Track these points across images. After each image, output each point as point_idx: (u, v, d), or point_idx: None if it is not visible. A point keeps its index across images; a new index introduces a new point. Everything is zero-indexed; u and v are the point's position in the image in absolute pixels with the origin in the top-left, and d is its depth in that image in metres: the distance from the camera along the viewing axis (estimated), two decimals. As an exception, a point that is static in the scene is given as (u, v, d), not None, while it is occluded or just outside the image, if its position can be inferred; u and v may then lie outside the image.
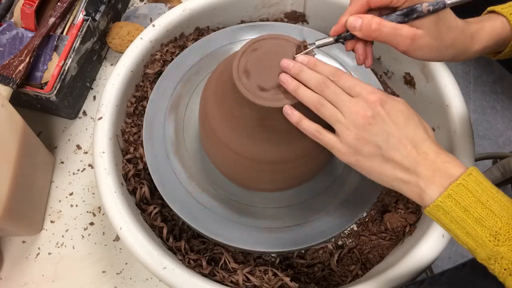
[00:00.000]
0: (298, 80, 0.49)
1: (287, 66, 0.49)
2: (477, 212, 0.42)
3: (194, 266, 0.63)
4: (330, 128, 0.48)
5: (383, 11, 0.51)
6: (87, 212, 0.78)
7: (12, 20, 0.78)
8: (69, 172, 0.81)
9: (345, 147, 0.47)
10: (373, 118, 0.45)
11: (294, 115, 0.49)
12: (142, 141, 0.65)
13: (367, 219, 0.71)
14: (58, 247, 0.75)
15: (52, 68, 0.74)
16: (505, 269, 0.40)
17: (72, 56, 0.76)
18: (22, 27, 0.76)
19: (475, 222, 0.42)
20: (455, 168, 0.44)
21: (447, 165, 0.44)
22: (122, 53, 0.78)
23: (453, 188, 0.42)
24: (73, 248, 0.75)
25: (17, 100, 0.73)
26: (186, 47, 0.73)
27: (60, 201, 0.78)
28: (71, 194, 0.79)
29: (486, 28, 0.53)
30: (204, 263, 0.63)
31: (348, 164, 0.48)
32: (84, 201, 0.78)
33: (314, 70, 0.49)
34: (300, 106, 0.49)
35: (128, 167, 0.67)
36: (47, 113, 0.84)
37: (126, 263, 0.74)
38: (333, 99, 0.47)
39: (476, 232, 0.42)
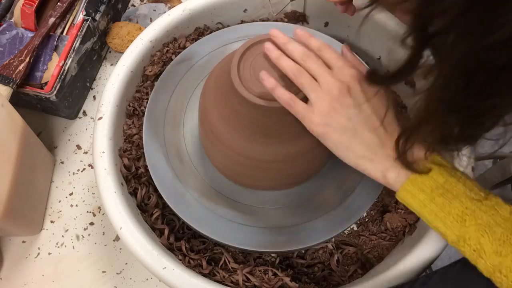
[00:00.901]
0: (283, 51, 0.49)
1: (275, 35, 0.50)
2: (442, 196, 0.43)
3: (194, 266, 0.63)
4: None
5: None
6: (87, 212, 0.78)
7: (12, 20, 0.78)
8: (69, 172, 0.81)
9: (317, 116, 0.47)
10: (348, 91, 0.46)
11: (269, 81, 0.48)
12: (142, 141, 0.65)
13: (367, 219, 0.71)
14: (58, 247, 0.75)
15: (52, 68, 0.74)
16: (474, 250, 0.41)
17: (72, 56, 0.76)
18: (22, 27, 0.76)
19: (441, 206, 0.43)
20: (420, 151, 0.44)
21: (413, 148, 0.44)
22: (122, 53, 0.78)
23: (418, 173, 0.44)
24: (73, 248, 0.75)
25: (17, 100, 0.73)
26: (186, 47, 0.73)
27: (60, 201, 0.78)
28: (71, 194, 0.79)
29: None
30: (204, 263, 0.63)
31: (317, 136, 0.48)
32: (84, 201, 0.78)
33: (302, 45, 0.49)
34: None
35: (128, 167, 0.67)
36: (47, 113, 0.84)
37: (126, 263, 0.74)
38: (313, 69, 0.47)
39: (443, 214, 0.43)
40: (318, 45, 0.49)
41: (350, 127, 0.46)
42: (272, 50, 0.49)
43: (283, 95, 0.48)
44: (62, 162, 0.81)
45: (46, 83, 0.73)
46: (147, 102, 0.67)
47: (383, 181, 0.47)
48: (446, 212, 0.43)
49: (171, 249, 0.64)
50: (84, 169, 0.81)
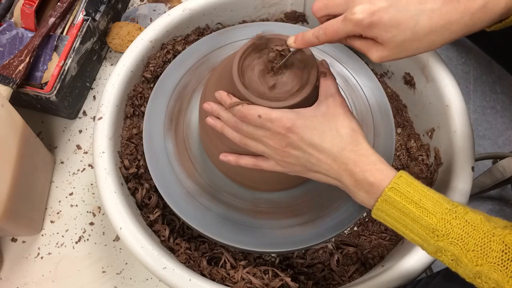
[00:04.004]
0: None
1: (208, 110, 0.53)
2: (412, 213, 0.44)
3: (194, 266, 0.63)
4: None
5: None
6: (87, 212, 0.78)
7: (12, 20, 0.78)
8: (69, 172, 0.81)
9: (278, 167, 0.51)
10: (288, 146, 0.48)
11: (231, 158, 0.54)
12: (142, 141, 0.65)
13: (367, 219, 0.71)
14: (58, 247, 0.75)
15: (52, 68, 0.74)
16: (452, 260, 0.42)
17: (72, 56, 0.76)
18: (22, 27, 0.76)
19: (413, 222, 0.44)
20: (373, 176, 0.46)
21: (366, 174, 0.46)
22: (122, 53, 0.78)
23: (386, 193, 0.45)
24: (73, 248, 0.75)
25: (17, 100, 0.73)
26: (186, 47, 0.73)
27: (60, 201, 0.78)
28: (71, 194, 0.79)
29: None
30: (204, 263, 0.63)
31: None
32: (84, 201, 0.78)
33: (227, 110, 0.51)
34: (303, 103, 0.49)
35: (128, 167, 0.67)
36: (47, 113, 0.84)
37: (126, 263, 0.74)
38: (251, 137, 0.50)
39: (417, 230, 0.44)
40: (238, 113, 0.49)
41: (308, 169, 0.50)
42: (215, 124, 0.53)
43: (248, 162, 0.53)
44: (62, 162, 0.81)
45: (46, 83, 0.73)
46: (147, 102, 0.67)
47: (355, 200, 0.49)
48: (419, 228, 0.43)
49: (171, 249, 0.64)
50: (84, 169, 0.81)
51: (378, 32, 0.44)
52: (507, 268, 0.39)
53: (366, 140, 0.49)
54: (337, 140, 0.47)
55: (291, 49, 0.50)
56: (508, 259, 0.39)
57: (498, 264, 0.39)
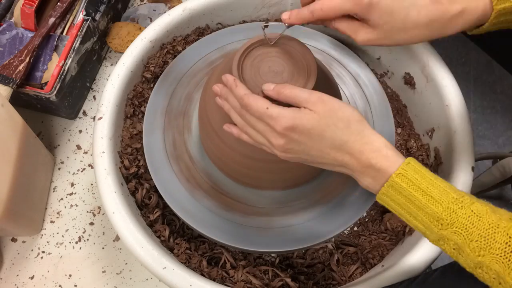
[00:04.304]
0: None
1: (216, 92, 0.53)
2: (418, 200, 0.44)
3: (194, 266, 0.63)
4: None
5: None
6: (87, 212, 0.78)
7: (12, 20, 0.78)
8: (69, 172, 0.81)
9: (280, 155, 0.50)
10: (288, 143, 0.48)
11: (234, 130, 0.52)
12: (142, 141, 0.65)
13: (367, 219, 0.71)
14: (58, 247, 0.75)
15: (52, 68, 0.74)
16: (454, 249, 0.42)
17: (72, 56, 0.76)
18: (22, 27, 0.76)
19: (418, 209, 0.44)
20: (379, 163, 0.46)
21: (371, 162, 0.46)
22: (122, 53, 0.78)
23: (393, 179, 0.45)
24: (73, 248, 0.75)
25: (17, 100, 0.73)
26: (186, 47, 0.73)
27: (60, 201, 0.78)
28: (71, 194, 0.79)
29: None
30: (204, 263, 0.63)
31: None
32: (84, 201, 0.79)
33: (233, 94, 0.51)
34: None
35: (128, 167, 0.67)
36: (47, 113, 0.84)
37: (126, 263, 0.74)
38: (252, 125, 0.50)
39: (421, 218, 0.44)
40: (240, 100, 0.49)
41: (310, 161, 0.49)
42: (223, 104, 0.52)
43: (248, 140, 0.52)
44: (62, 162, 0.81)
45: (46, 83, 0.73)
46: (147, 102, 0.67)
47: (361, 185, 0.49)
48: (423, 216, 0.43)
49: (171, 249, 0.64)
50: (84, 169, 0.81)
51: (372, 15, 0.46)
52: (509, 260, 0.39)
53: (369, 126, 0.48)
54: (337, 134, 0.47)
55: (286, 25, 0.52)
56: (511, 252, 0.39)
57: (500, 256, 0.39)
